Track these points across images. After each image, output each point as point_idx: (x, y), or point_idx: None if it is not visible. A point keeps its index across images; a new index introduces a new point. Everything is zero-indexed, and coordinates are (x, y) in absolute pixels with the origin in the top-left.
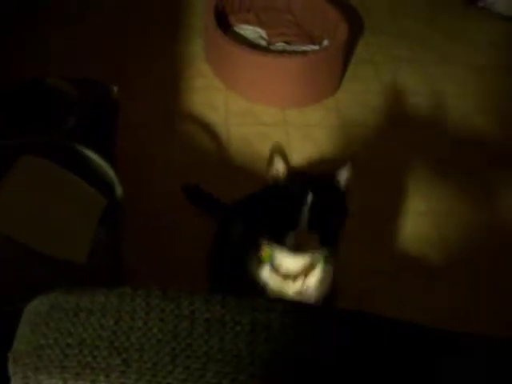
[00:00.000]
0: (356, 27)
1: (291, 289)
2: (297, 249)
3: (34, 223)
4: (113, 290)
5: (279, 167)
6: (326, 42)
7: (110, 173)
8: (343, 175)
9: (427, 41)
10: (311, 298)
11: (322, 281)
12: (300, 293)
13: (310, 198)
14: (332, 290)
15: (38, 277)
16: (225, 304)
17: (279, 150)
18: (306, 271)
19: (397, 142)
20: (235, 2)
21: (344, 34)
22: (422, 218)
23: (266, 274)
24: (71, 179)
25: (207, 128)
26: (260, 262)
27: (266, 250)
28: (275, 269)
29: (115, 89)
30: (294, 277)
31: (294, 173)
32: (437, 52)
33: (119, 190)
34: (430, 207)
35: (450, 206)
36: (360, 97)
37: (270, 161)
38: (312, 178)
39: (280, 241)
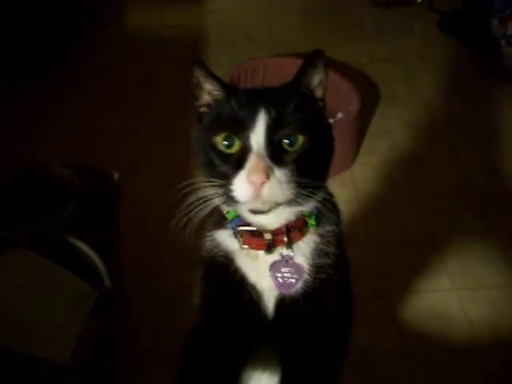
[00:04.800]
0: (371, 97)
1: (266, 261)
2: (253, 194)
3: (18, 321)
4: None
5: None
6: (339, 115)
7: (99, 265)
8: (313, 75)
9: (446, 108)
10: (296, 280)
11: (316, 250)
12: (278, 265)
13: (262, 117)
14: (340, 279)
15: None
16: None
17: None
18: (291, 230)
19: (417, 217)
20: (248, 78)
21: (356, 106)
22: (445, 296)
23: (228, 240)
24: (60, 272)
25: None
26: (222, 225)
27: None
28: (241, 227)
29: (116, 175)
30: (271, 238)
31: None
32: (456, 119)
33: (107, 282)
34: (455, 283)
35: (477, 282)
36: (377, 170)
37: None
38: (265, 89)
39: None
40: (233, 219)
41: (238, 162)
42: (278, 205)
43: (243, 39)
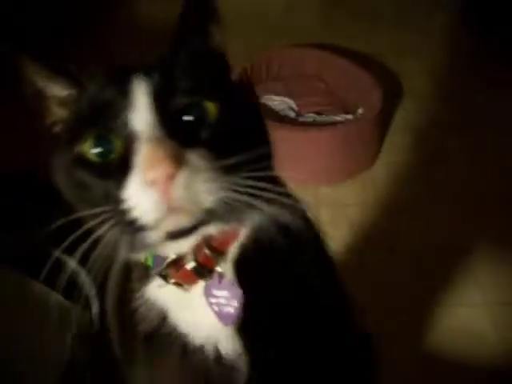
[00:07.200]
0: (394, 92)
1: (192, 297)
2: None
3: None
4: None
5: None
6: (360, 111)
7: (88, 285)
8: (204, 16)
9: (472, 105)
10: (235, 307)
11: (260, 249)
12: (210, 287)
13: (140, 84)
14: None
15: None
16: None
17: None
18: (217, 243)
19: (444, 221)
20: (262, 71)
21: (378, 101)
22: (475, 311)
23: (158, 294)
24: (44, 292)
25: None
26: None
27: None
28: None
29: None
30: (194, 259)
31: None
32: (484, 116)
33: (95, 307)
34: (486, 298)
35: (510, 296)
36: (400, 169)
37: None
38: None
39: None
40: (153, 263)
41: (124, 165)
42: (208, 213)
43: (258, 28)
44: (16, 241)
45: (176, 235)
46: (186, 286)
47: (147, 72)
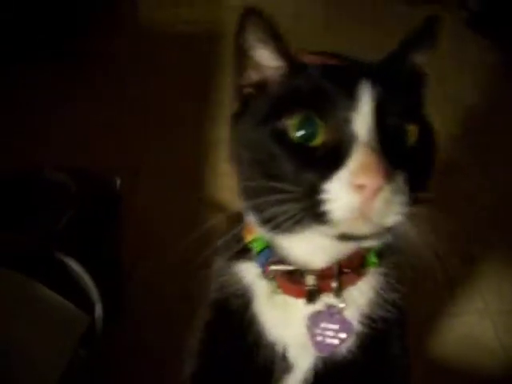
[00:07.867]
0: None
1: (300, 311)
2: (364, 203)
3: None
4: None
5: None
6: None
7: (92, 288)
8: (425, 46)
9: (477, 112)
10: (341, 341)
11: (375, 299)
12: (319, 317)
13: (368, 90)
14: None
15: None
16: None
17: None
18: (344, 271)
19: (448, 231)
20: None
21: None
22: (478, 318)
23: (252, 280)
24: (47, 295)
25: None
26: (242, 257)
27: (253, 230)
28: (274, 266)
29: (118, 182)
30: (315, 283)
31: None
32: (489, 124)
33: (98, 310)
34: (489, 306)
35: None
36: None
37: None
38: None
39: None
40: (261, 251)
41: (330, 157)
42: (383, 230)
43: None
44: (17, 241)
45: (347, 238)
46: (281, 298)
47: (373, 80)
